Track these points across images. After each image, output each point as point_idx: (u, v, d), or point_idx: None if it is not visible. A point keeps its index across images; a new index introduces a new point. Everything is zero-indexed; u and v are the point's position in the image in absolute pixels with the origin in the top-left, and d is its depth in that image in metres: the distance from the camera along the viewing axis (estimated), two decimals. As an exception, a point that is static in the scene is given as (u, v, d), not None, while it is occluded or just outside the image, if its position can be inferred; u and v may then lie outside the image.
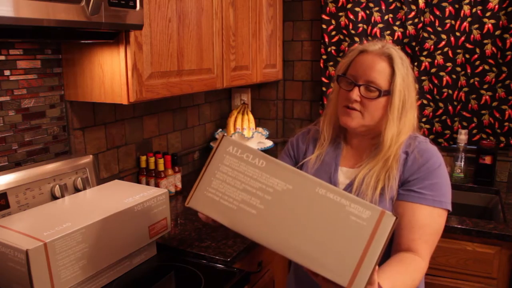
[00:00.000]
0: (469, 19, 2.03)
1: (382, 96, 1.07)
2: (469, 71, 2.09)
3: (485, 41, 2.02)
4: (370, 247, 0.72)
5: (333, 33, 2.29)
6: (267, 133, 2.39)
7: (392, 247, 1.09)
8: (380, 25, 2.18)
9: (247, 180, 0.78)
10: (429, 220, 1.05)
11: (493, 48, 2.02)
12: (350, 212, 0.75)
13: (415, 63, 2.15)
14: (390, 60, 1.08)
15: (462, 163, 2.10)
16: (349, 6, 2.21)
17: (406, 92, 1.07)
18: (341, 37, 2.27)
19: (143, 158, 1.82)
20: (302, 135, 1.32)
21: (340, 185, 1.16)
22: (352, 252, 0.73)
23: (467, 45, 2.06)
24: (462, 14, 2.03)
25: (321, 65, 2.33)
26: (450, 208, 1.07)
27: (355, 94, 1.08)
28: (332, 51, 2.30)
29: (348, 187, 1.13)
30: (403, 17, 2.14)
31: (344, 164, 1.19)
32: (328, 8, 2.27)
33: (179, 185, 1.94)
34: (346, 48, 2.25)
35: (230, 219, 0.78)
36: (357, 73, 1.10)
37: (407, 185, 1.08)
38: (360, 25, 2.21)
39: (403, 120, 1.08)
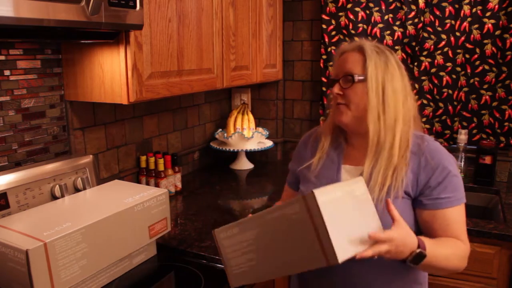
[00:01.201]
0: (469, 19, 2.03)
1: (356, 82, 1.11)
2: (469, 71, 2.09)
3: (485, 41, 2.02)
4: (317, 226, 0.86)
5: (333, 33, 2.29)
6: (267, 133, 2.39)
7: None
8: (380, 25, 2.18)
9: (240, 246, 1.03)
10: (457, 217, 1.10)
11: (493, 48, 2.02)
12: (289, 215, 0.91)
13: (415, 63, 2.15)
14: (362, 50, 1.12)
15: (462, 163, 2.09)
16: (349, 6, 2.21)
17: (383, 76, 1.09)
18: (341, 37, 2.27)
19: (143, 158, 1.82)
20: (307, 137, 1.33)
21: None
22: (311, 238, 0.88)
23: (467, 45, 2.06)
24: (462, 14, 2.03)
25: (321, 65, 2.34)
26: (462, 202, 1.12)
27: (337, 88, 1.14)
28: (332, 51, 2.30)
29: None
30: (403, 17, 2.14)
31: (347, 163, 1.20)
32: (328, 8, 2.27)
33: (179, 185, 1.94)
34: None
35: (251, 276, 1.03)
36: (336, 71, 1.16)
37: (428, 192, 1.09)
38: (360, 25, 2.21)
39: (387, 104, 1.09)
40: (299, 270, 0.96)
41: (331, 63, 2.31)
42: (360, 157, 1.17)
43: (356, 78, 1.10)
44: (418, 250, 0.97)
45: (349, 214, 0.92)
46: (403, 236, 0.95)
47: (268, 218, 0.97)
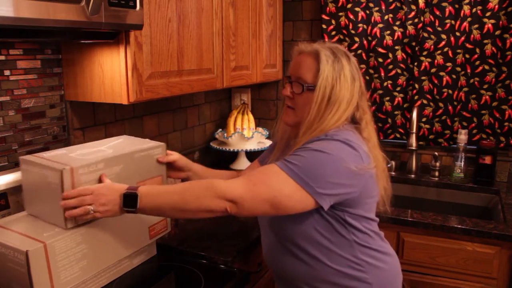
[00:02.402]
0: (469, 19, 2.03)
1: (306, 91, 1.12)
2: (469, 71, 2.09)
3: (485, 41, 2.02)
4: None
5: (333, 33, 2.29)
6: (267, 133, 2.38)
7: None
8: (380, 25, 2.17)
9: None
10: (266, 169, 1.06)
11: (493, 48, 2.02)
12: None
13: (415, 63, 2.15)
14: (317, 56, 1.12)
15: (462, 163, 2.10)
16: (349, 6, 2.21)
17: (332, 90, 1.09)
18: (341, 37, 2.27)
19: (143, 158, 1.82)
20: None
21: None
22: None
23: (467, 45, 2.06)
24: (462, 14, 2.03)
25: (321, 65, 2.33)
26: (299, 181, 1.01)
27: (287, 90, 1.17)
28: (332, 51, 2.30)
29: None
30: (403, 17, 2.14)
31: None
32: (328, 8, 2.27)
33: (179, 185, 1.94)
34: (346, 48, 2.25)
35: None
36: (291, 72, 1.18)
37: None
38: (360, 25, 2.21)
39: (324, 116, 1.09)
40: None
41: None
42: None
43: (306, 87, 1.12)
44: (125, 191, 1.03)
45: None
46: (103, 185, 1.05)
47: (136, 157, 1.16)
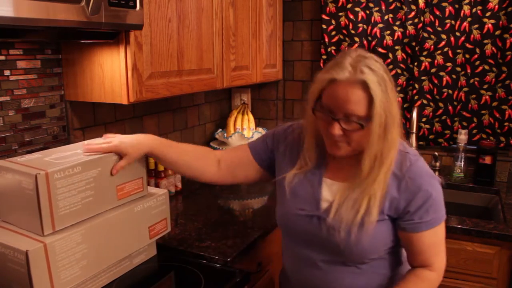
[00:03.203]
0: (469, 19, 2.03)
1: (363, 127, 1.00)
2: (469, 71, 2.09)
3: (485, 41, 2.02)
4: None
5: (333, 33, 2.29)
6: (267, 133, 2.38)
7: (409, 264, 1.15)
8: (380, 25, 2.17)
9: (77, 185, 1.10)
10: (434, 238, 1.10)
11: (493, 48, 2.02)
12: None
13: (415, 63, 2.15)
14: (365, 86, 0.97)
15: (462, 163, 2.10)
16: (349, 6, 2.21)
17: (387, 113, 1.00)
18: (341, 37, 2.27)
19: (143, 158, 1.82)
20: (283, 134, 1.27)
21: (323, 202, 1.13)
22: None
23: (467, 45, 2.06)
24: (462, 14, 2.03)
25: (321, 65, 2.33)
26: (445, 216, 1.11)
27: (337, 129, 1.02)
28: (332, 51, 2.30)
29: (328, 209, 1.10)
30: (403, 17, 2.14)
31: (329, 176, 1.15)
32: (328, 8, 2.27)
33: (179, 185, 1.94)
34: (346, 48, 2.25)
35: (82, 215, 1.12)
36: (333, 106, 1.01)
37: (407, 216, 1.07)
38: (360, 25, 2.21)
39: (386, 139, 1.03)
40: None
41: (331, 63, 2.31)
42: (343, 172, 1.13)
43: (362, 123, 0.99)
44: None
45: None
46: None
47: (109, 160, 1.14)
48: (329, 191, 1.14)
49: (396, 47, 2.18)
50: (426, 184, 1.06)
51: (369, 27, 2.20)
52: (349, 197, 1.08)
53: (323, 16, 2.28)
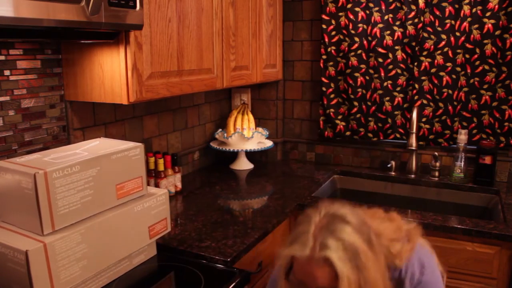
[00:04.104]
0: (469, 19, 2.03)
1: None
2: (469, 71, 2.09)
3: (485, 41, 2.02)
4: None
5: (333, 33, 2.29)
6: (267, 133, 2.38)
7: None
8: (380, 25, 2.18)
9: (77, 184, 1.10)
10: None
11: (493, 48, 2.02)
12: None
13: (415, 63, 2.15)
14: (329, 263, 0.90)
15: (462, 163, 2.09)
16: (349, 6, 2.21)
17: (360, 283, 0.91)
18: (341, 37, 2.27)
19: (143, 158, 1.82)
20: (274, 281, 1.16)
21: None
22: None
23: (467, 45, 2.06)
24: (462, 14, 2.03)
25: (321, 65, 2.33)
26: None
27: None
28: (332, 51, 2.30)
29: None
30: (403, 17, 2.14)
31: None
32: (328, 8, 2.27)
33: (179, 185, 1.94)
34: (346, 48, 2.26)
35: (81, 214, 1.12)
36: (304, 280, 0.95)
37: None
38: (360, 25, 2.21)
39: None
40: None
41: (331, 63, 2.31)
42: None
43: None
44: None
45: None
46: None
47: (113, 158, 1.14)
48: None
49: (396, 47, 2.18)
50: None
51: (369, 27, 2.20)
52: None
53: (323, 16, 2.28)
